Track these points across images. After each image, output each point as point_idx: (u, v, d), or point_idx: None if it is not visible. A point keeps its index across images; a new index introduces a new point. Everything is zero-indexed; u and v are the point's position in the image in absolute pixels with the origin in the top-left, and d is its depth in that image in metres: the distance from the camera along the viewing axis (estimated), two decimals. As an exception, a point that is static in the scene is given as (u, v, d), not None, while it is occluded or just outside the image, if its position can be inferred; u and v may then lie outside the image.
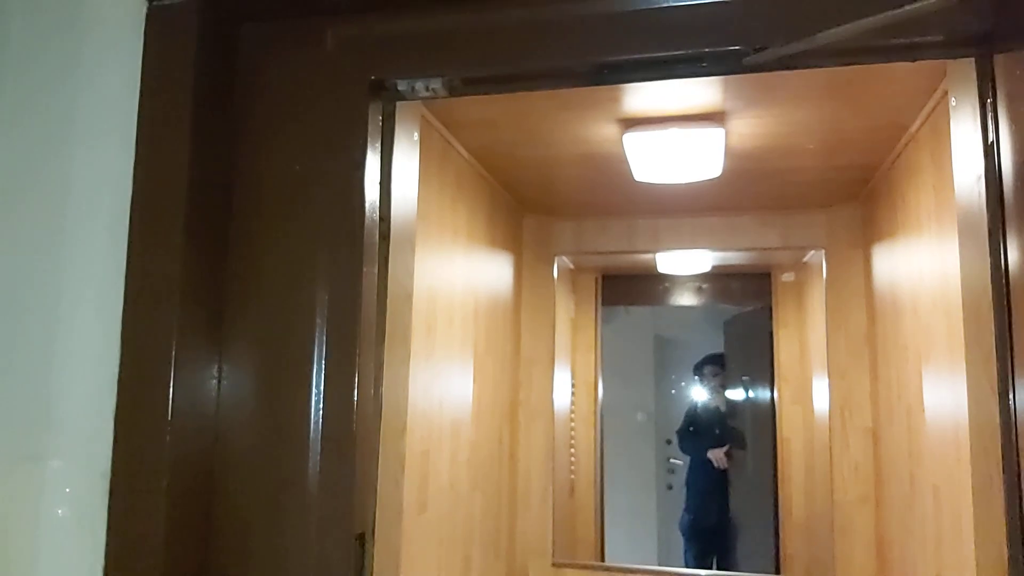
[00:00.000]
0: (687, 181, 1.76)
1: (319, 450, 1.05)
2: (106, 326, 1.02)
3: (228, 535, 1.06)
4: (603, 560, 3.45)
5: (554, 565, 2.43)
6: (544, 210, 2.37)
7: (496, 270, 2.10)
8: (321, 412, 1.05)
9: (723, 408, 4.29)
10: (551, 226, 2.41)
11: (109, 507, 0.99)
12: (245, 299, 1.09)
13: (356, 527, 1.05)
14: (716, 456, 4.15)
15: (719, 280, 3.51)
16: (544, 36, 1.03)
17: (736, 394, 4.17)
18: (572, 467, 3.17)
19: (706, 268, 3.05)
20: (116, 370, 1.01)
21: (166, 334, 1.01)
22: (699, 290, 3.58)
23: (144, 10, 1.07)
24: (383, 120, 1.13)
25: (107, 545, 0.99)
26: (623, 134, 1.54)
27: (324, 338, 1.06)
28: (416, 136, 1.24)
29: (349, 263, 1.07)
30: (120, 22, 1.07)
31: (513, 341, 2.33)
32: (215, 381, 1.08)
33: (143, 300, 1.02)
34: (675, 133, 1.48)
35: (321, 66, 1.10)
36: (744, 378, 4.08)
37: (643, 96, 1.46)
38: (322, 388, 1.06)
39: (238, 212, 1.11)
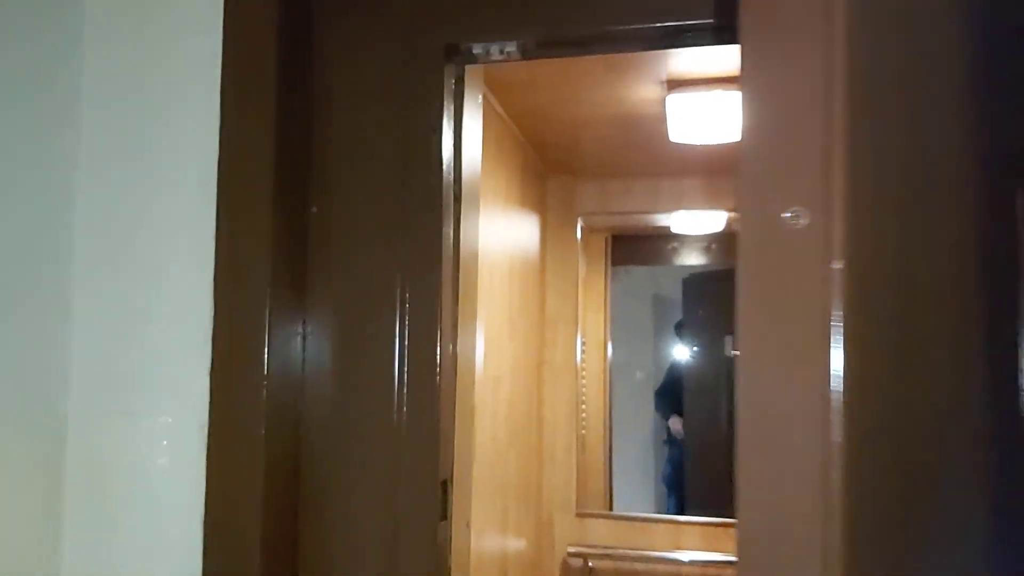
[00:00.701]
0: (722, 142, 1.80)
1: (405, 402, 1.10)
2: (197, 284, 1.05)
3: (316, 485, 1.11)
4: (611, 509, 3.57)
5: (577, 515, 2.51)
6: (568, 171, 2.40)
7: (526, 231, 2.14)
8: (406, 366, 1.10)
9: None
10: (574, 187, 2.45)
11: (207, 458, 1.04)
12: (327, 257, 1.13)
13: (441, 473, 1.10)
14: (674, 426, 4.33)
15: (730, 239, 3.57)
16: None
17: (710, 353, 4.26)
18: (583, 423, 3.25)
19: (720, 228, 3.10)
20: (210, 327, 1.05)
21: (260, 291, 1.04)
22: (708, 249, 3.64)
23: (223, -27, 1.08)
24: (455, 84, 1.16)
25: (207, 495, 1.03)
26: (666, 95, 1.58)
27: (407, 295, 1.10)
28: (480, 99, 1.27)
29: (429, 223, 1.11)
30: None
31: (539, 301, 2.38)
32: (300, 337, 1.12)
33: (235, 258, 1.05)
34: (719, 95, 1.52)
35: (396, 31, 1.13)
36: (728, 336, 4.17)
37: (690, 58, 1.49)
38: (406, 343, 1.10)
39: (317, 173, 1.14)
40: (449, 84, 1.13)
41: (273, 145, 1.06)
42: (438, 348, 1.10)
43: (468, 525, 1.25)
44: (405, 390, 1.10)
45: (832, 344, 0.69)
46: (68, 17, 1.08)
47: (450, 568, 1.13)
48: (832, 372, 0.69)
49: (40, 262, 1.03)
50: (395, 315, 1.10)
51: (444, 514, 1.11)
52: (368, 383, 1.11)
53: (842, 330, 0.69)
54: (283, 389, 1.08)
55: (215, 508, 1.03)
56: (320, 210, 1.13)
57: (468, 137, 1.20)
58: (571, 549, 2.42)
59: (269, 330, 1.04)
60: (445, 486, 1.11)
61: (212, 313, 1.05)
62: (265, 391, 1.04)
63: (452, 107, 1.14)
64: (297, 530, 1.10)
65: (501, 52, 1.13)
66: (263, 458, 1.03)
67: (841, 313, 0.69)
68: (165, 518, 1.04)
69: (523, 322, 2.14)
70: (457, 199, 1.16)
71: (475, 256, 1.27)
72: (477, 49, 1.13)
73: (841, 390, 0.69)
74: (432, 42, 1.12)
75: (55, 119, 1.06)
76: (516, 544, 1.97)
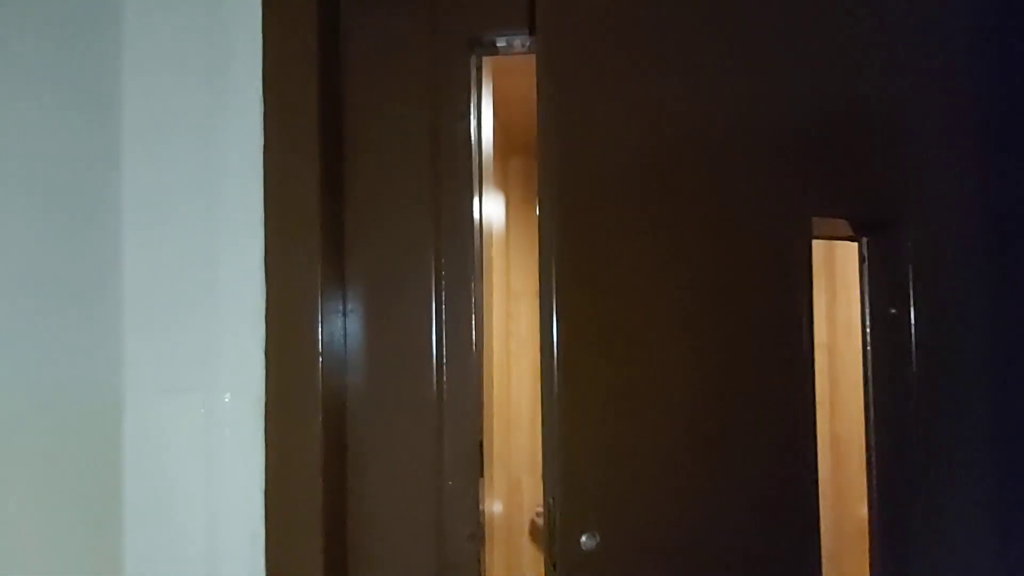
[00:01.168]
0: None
1: (445, 372, 1.18)
2: (248, 263, 1.10)
3: (362, 452, 1.18)
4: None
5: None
6: (530, 153, 2.49)
7: (494, 210, 2.23)
8: (444, 338, 1.18)
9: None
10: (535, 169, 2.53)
11: (266, 432, 1.10)
12: (364, 236, 1.19)
13: (478, 434, 1.19)
14: None
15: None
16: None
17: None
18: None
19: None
20: (262, 305, 1.10)
21: (311, 270, 1.10)
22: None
23: (260, -34, 1.12)
24: (476, 73, 1.23)
25: (266, 468, 1.09)
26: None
27: (442, 271, 1.19)
28: (491, 85, 1.35)
29: (460, 203, 1.19)
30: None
31: (505, 275, 2.48)
32: (341, 314, 1.18)
33: (285, 237, 1.11)
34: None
35: (423, 23, 1.19)
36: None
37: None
38: (443, 316, 1.19)
39: (350, 157, 1.20)
40: (475, 74, 1.21)
41: (317, 127, 1.11)
42: (472, 319, 1.19)
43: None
44: (444, 360, 1.18)
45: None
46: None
47: (485, 521, 1.23)
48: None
49: (92, 244, 1.06)
50: (431, 289, 1.18)
51: (481, 471, 1.21)
52: (408, 356, 1.18)
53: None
54: (333, 364, 1.15)
55: (275, 480, 1.10)
56: (355, 191, 1.19)
57: (485, 122, 1.28)
58: (539, 510, 2.55)
59: (321, 308, 1.11)
60: (481, 446, 1.21)
61: (264, 291, 1.10)
62: (320, 367, 1.10)
63: (476, 95, 1.22)
64: (346, 498, 1.18)
65: (522, 45, 1.21)
66: (320, 431, 1.10)
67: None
68: (224, 491, 1.09)
69: (496, 295, 2.24)
70: (480, 180, 1.25)
71: (491, 232, 1.35)
72: (501, 42, 1.21)
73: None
74: (458, 33, 1.20)
75: (97, 111, 1.09)
76: (496, 506, 2.08)
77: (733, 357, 1.01)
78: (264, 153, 1.11)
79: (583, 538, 0.87)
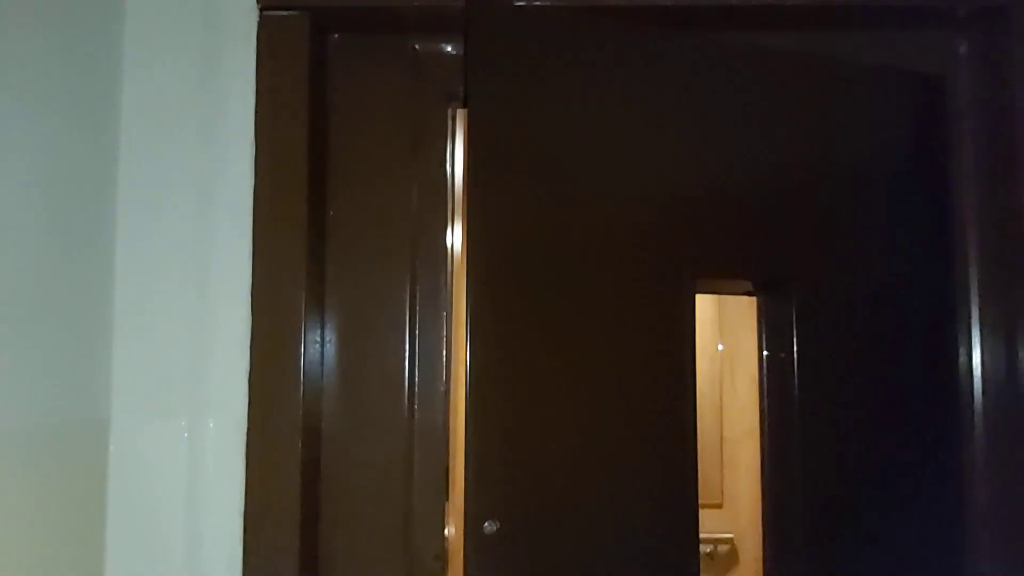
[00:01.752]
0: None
1: (416, 400, 1.25)
2: (235, 291, 1.16)
3: (337, 476, 1.24)
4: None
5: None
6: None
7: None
8: (416, 368, 1.26)
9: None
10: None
11: (246, 456, 1.15)
12: (345, 271, 1.26)
13: (445, 460, 1.27)
14: None
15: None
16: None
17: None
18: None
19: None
20: (247, 333, 1.16)
21: (296, 299, 1.17)
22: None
23: (256, 17, 1.20)
24: (452, 122, 1.33)
25: (246, 492, 1.14)
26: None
27: (417, 306, 1.27)
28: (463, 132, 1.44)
29: (435, 243, 1.28)
30: (235, 25, 1.20)
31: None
32: (319, 344, 1.25)
33: (272, 267, 1.18)
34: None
35: (406, 79, 1.29)
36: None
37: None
38: (416, 348, 1.26)
39: (334, 199, 1.27)
40: (451, 124, 1.31)
41: (306, 168, 1.19)
42: (443, 351, 1.27)
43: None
44: (416, 389, 1.26)
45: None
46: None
47: (448, 542, 1.30)
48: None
49: (85, 271, 1.10)
50: (405, 322, 1.26)
51: (447, 495, 1.28)
52: (381, 384, 1.26)
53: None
54: (312, 393, 1.21)
55: (254, 505, 1.15)
56: (338, 230, 1.27)
57: (459, 168, 1.37)
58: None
59: (304, 336, 1.17)
60: (447, 472, 1.28)
61: (249, 319, 1.16)
62: (302, 395, 1.16)
63: (452, 143, 1.32)
64: (320, 520, 1.23)
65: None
66: (299, 458, 1.16)
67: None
68: (204, 514, 1.14)
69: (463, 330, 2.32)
70: (453, 221, 1.34)
71: (460, 268, 1.44)
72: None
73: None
74: (435, 89, 1.29)
75: (96, 136, 1.13)
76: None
77: (622, 388, 1.18)
78: (254, 192, 1.18)
79: (486, 524, 1.07)
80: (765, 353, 1.28)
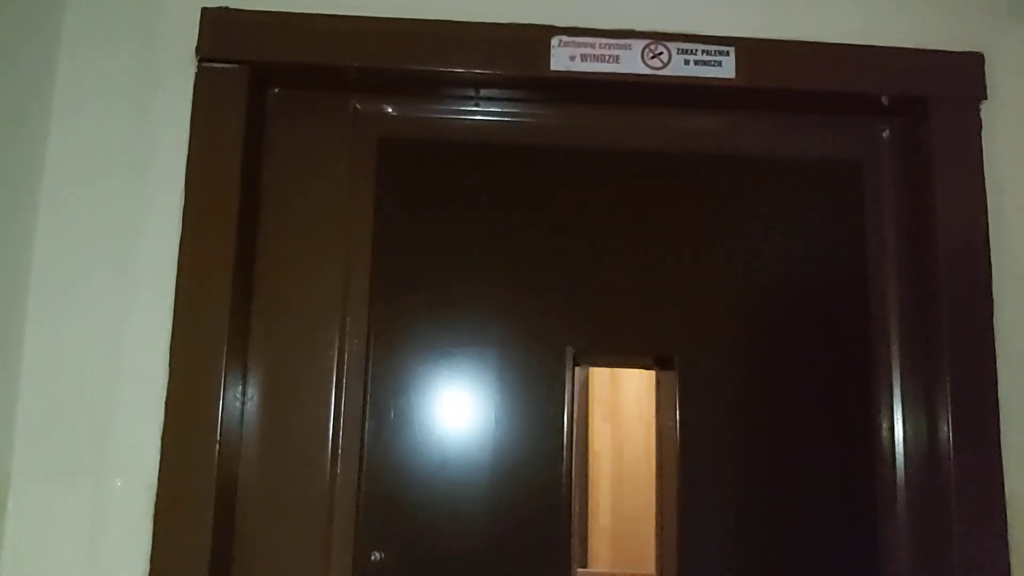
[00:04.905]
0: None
1: (339, 465, 1.22)
2: (152, 346, 1.12)
3: (251, 543, 1.19)
4: None
5: None
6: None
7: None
8: (341, 432, 1.23)
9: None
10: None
11: (155, 518, 1.09)
12: (271, 326, 1.23)
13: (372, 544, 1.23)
14: None
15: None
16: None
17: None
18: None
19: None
20: (163, 390, 1.11)
21: (216, 357, 1.13)
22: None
23: (194, 68, 1.19)
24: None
25: (152, 555, 1.08)
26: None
27: (345, 366, 1.24)
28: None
29: (361, 293, 1.26)
30: (172, 74, 1.18)
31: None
32: (240, 402, 1.20)
33: (192, 327, 1.13)
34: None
35: (345, 133, 1.29)
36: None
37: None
38: (342, 410, 1.23)
39: (264, 248, 1.25)
40: (379, 173, 1.30)
41: (234, 227, 1.17)
42: (365, 411, 1.24)
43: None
44: (339, 453, 1.22)
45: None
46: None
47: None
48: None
49: (-8, 324, 1.05)
50: (331, 384, 1.23)
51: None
52: (303, 448, 1.22)
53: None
54: (228, 453, 1.16)
55: (160, 568, 1.08)
56: (265, 282, 1.24)
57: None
58: None
59: (224, 396, 1.13)
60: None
61: (167, 376, 1.12)
62: (217, 456, 1.12)
63: (382, 191, 1.31)
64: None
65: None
66: (211, 523, 1.10)
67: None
68: (105, 576, 1.07)
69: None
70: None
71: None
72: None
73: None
74: (370, 136, 1.30)
75: (16, 189, 1.10)
76: None
77: (502, 449, 1.26)
78: (180, 237, 1.15)
79: (373, 555, 1.21)
80: (656, 420, 1.39)
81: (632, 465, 3.34)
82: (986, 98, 1.27)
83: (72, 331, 1.11)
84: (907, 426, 1.28)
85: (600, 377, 3.55)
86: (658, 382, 1.35)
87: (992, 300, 1.21)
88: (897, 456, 1.28)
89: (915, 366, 1.28)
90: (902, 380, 1.29)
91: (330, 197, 1.27)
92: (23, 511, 1.06)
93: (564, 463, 1.25)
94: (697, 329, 1.30)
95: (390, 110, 1.32)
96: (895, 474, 1.27)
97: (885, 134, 1.35)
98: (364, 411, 1.24)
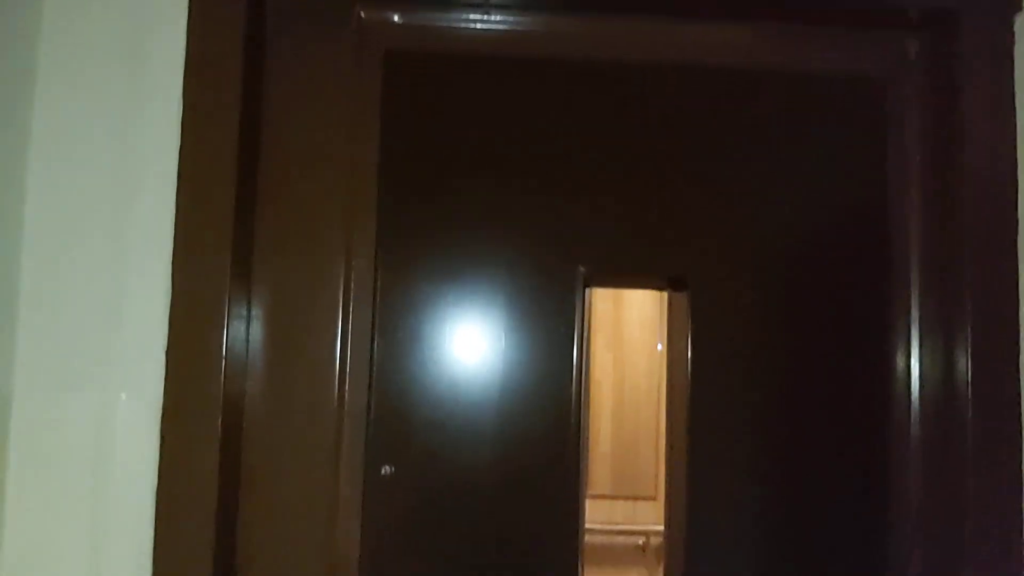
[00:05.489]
0: None
1: (347, 383, 1.20)
2: (154, 261, 1.09)
3: (258, 460, 1.18)
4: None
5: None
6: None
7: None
8: (349, 349, 1.21)
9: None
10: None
11: (161, 433, 1.08)
12: (275, 243, 1.20)
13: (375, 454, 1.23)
14: None
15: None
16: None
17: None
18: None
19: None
20: (166, 306, 1.09)
21: (220, 273, 1.10)
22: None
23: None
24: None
25: (159, 475, 1.08)
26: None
27: (352, 283, 1.22)
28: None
29: (367, 210, 1.23)
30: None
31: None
32: (245, 320, 1.18)
33: (194, 241, 1.10)
34: None
35: (349, 43, 1.23)
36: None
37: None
38: (349, 328, 1.21)
39: (267, 161, 1.21)
40: (386, 86, 1.25)
41: (235, 137, 1.13)
42: (373, 332, 1.22)
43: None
44: (347, 372, 1.21)
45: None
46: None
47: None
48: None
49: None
50: (338, 300, 1.21)
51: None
52: (310, 365, 1.20)
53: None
54: (234, 370, 1.14)
55: (167, 487, 1.08)
56: (269, 197, 1.20)
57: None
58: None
59: (228, 311, 1.11)
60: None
61: (169, 291, 1.09)
62: (223, 372, 1.10)
63: (388, 107, 1.26)
64: (239, 506, 1.17)
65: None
66: (218, 437, 1.09)
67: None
68: (112, 496, 1.07)
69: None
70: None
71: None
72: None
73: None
74: (375, 48, 1.24)
75: (6, 109, 1.05)
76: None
77: (511, 374, 1.25)
78: (179, 150, 1.11)
79: (384, 469, 1.21)
80: (659, 347, 1.35)
81: (633, 392, 3.37)
82: (1021, 10, 1.21)
83: (71, 244, 1.08)
84: (924, 354, 1.25)
85: (603, 306, 3.55)
86: (670, 304, 1.33)
87: (1017, 226, 1.18)
88: (912, 384, 1.26)
89: (935, 293, 1.24)
90: (921, 307, 1.26)
91: (335, 111, 1.22)
92: (27, 426, 1.05)
93: (574, 385, 1.24)
94: (711, 250, 1.27)
95: (396, 19, 1.26)
96: (910, 402, 1.26)
97: (912, 50, 1.30)
98: (372, 329, 1.22)
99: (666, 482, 1.34)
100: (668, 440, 1.34)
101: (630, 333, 3.39)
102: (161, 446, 1.08)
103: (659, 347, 3.31)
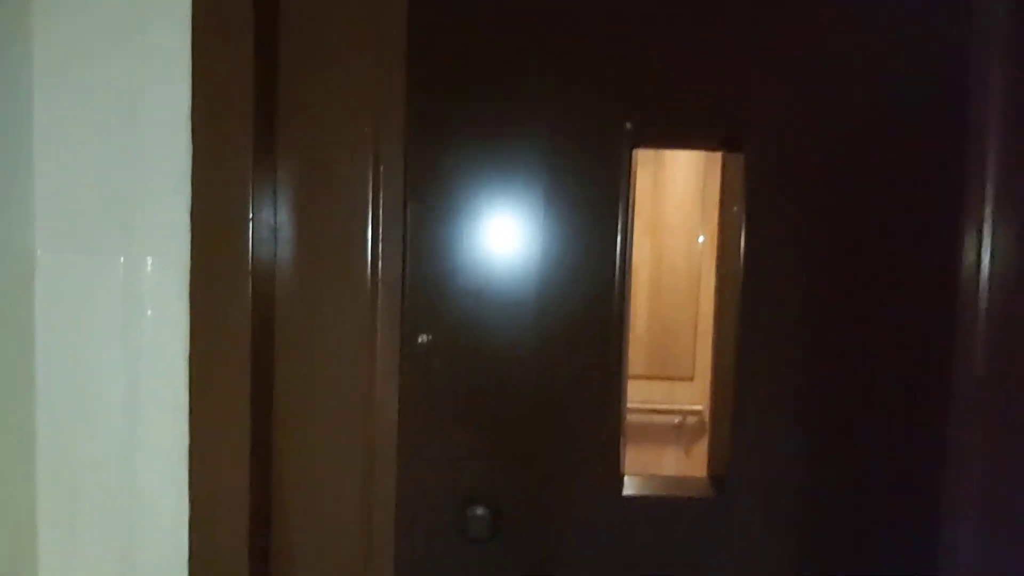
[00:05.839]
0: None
1: (380, 258, 1.15)
2: (172, 117, 1.02)
3: (291, 335, 1.15)
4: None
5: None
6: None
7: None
8: (381, 223, 1.15)
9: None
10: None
11: (191, 298, 1.04)
12: (300, 110, 1.12)
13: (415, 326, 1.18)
14: None
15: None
16: None
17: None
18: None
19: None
20: (188, 165, 1.03)
21: (243, 128, 1.04)
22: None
23: None
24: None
25: (191, 336, 1.05)
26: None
27: (382, 151, 1.14)
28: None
29: (397, 67, 1.13)
30: None
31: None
32: (271, 185, 1.12)
33: (214, 95, 1.03)
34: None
35: None
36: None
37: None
38: (380, 200, 1.15)
39: (285, 21, 1.12)
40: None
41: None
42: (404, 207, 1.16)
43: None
44: (380, 247, 1.15)
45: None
46: None
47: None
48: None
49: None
50: (368, 171, 1.14)
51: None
52: (342, 238, 1.14)
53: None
54: (262, 236, 1.09)
55: (200, 350, 1.05)
56: (291, 61, 1.12)
57: None
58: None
59: (252, 178, 1.05)
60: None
61: (190, 148, 1.03)
62: (251, 236, 1.05)
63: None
64: (273, 380, 1.15)
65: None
66: (249, 295, 1.05)
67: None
68: (145, 361, 1.04)
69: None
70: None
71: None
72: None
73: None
74: None
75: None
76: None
77: (555, 230, 1.18)
78: (193, 7, 1.02)
79: (420, 337, 1.18)
80: (700, 239, 1.28)
81: (671, 277, 3.31)
82: None
83: (83, 96, 1.01)
84: (995, 249, 1.15)
85: (641, 192, 3.44)
86: (724, 165, 1.23)
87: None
88: (981, 279, 1.16)
89: (1012, 186, 1.13)
90: (996, 188, 1.15)
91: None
92: (53, 291, 1.01)
93: (619, 253, 1.18)
94: (770, 107, 1.16)
95: None
96: (978, 291, 1.16)
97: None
98: (404, 194, 1.15)
99: (713, 360, 1.29)
100: (717, 311, 1.27)
101: (669, 219, 3.29)
102: (191, 309, 1.04)
103: (700, 239, 3.21)
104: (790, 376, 1.19)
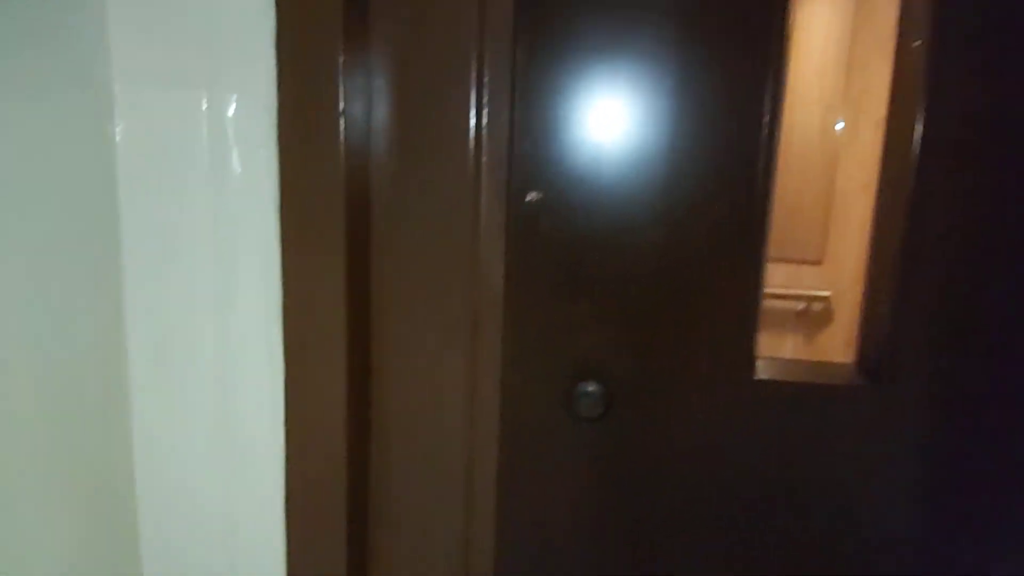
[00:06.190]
0: None
1: (483, 153, 1.02)
2: None
3: (384, 197, 1.04)
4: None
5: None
6: None
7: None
8: (484, 118, 1.01)
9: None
10: None
11: (279, 146, 0.95)
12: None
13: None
14: None
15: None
16: None
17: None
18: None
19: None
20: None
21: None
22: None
23: None
24: None
25: (280, 184, 0.96)
26: None
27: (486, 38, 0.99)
28: None
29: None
30: None
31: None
32: (364, 74, 0.99)
33: None
34: None
35: None
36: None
37: None
38: (484, 95, 1.00)
39: None
40: None
41: None
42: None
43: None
44: (483, 142, 1.02)
45: None
46: None
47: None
48: None
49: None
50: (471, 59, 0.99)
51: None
52: (439, 83, 1.01)
53: None
54: (355, 106, 0.97)
55: (290, 198, 0.96)
56: None
57: None
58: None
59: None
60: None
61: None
62: (341, 80, 0.93)
63: None
64: (370, 258, 1.06)
65: None
66: (340, 144, 0.95)
67: None
68: (232, 205, 0.96)
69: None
70: None
71: None
72: None
73: None
74: None
75: None
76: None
77: (690, 92, 1.01)
78: None
79: (530, 194, 1.04)
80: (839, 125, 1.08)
81: (802, 156, 3.01)
82: None
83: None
84: None
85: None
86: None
87: None
88: None
89: None
90: None
91: None
92: (132, 126, 0.94)
93: (767, 120, 0.99)
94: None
95: None
96: None
97: None
98: (514, 30, 1.00)
99: (872, 239, 1.09)
100: (882, 178, 1.06)
101: (799, 96, 2.96)
102: (280, 157, 0.95)
103: (839, 125, 2.89)
104: (959, 266, 1.00)
